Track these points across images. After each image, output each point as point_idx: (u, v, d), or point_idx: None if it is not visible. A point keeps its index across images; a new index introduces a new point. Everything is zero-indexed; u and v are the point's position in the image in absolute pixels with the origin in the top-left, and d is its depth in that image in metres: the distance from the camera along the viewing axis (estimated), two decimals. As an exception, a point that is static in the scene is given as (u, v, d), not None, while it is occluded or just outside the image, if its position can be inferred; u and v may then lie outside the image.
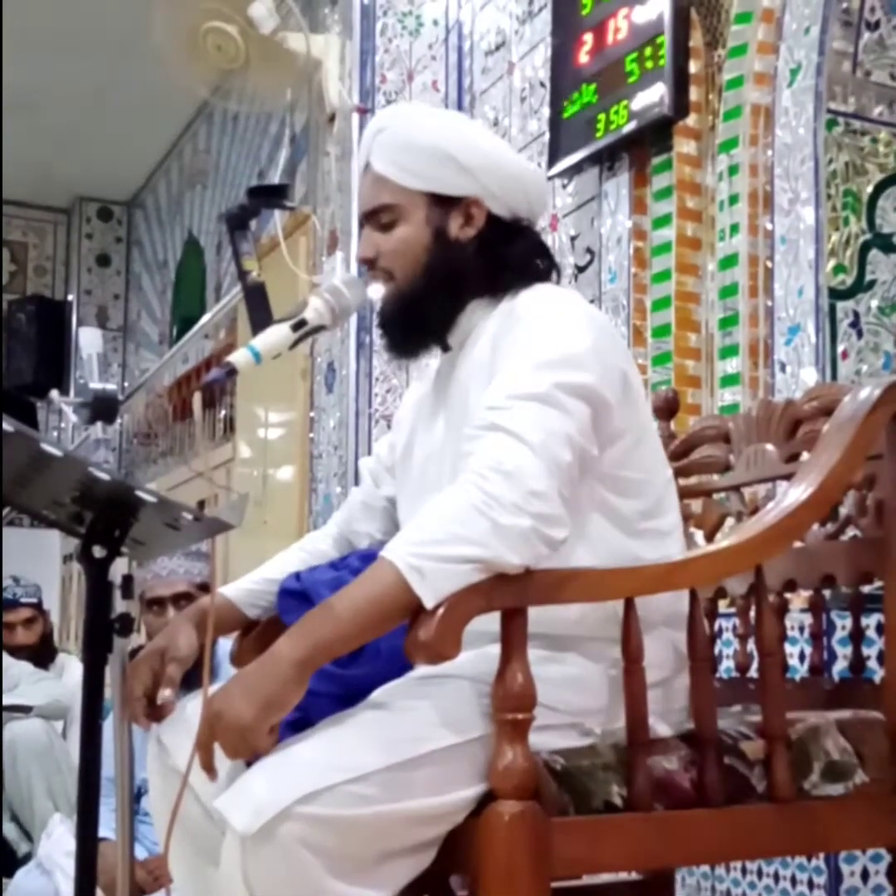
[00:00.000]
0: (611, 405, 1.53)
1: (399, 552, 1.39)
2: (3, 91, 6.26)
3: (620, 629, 1.48)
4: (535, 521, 1.39)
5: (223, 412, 6.02)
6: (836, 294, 2.79)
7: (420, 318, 1.67)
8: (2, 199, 6.49)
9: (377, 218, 1.67)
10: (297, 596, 1.67)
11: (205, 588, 2.85)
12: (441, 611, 1.34)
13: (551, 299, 1.62)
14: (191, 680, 1.65)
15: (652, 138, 3.24)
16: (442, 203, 1.66)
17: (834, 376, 2.74)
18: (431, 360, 1.79)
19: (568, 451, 1.45)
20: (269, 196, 2.00)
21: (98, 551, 1.52)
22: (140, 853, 2.71)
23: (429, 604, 1.36)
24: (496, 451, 1.43)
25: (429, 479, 1.69)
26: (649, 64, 3.17)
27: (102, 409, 1.87)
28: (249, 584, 1.79)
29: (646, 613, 1.49)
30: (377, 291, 1.71)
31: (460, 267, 1.66)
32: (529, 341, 1.54)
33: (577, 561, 1.52)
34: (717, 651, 2.27)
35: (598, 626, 1.53)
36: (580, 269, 3.45)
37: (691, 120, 3.16)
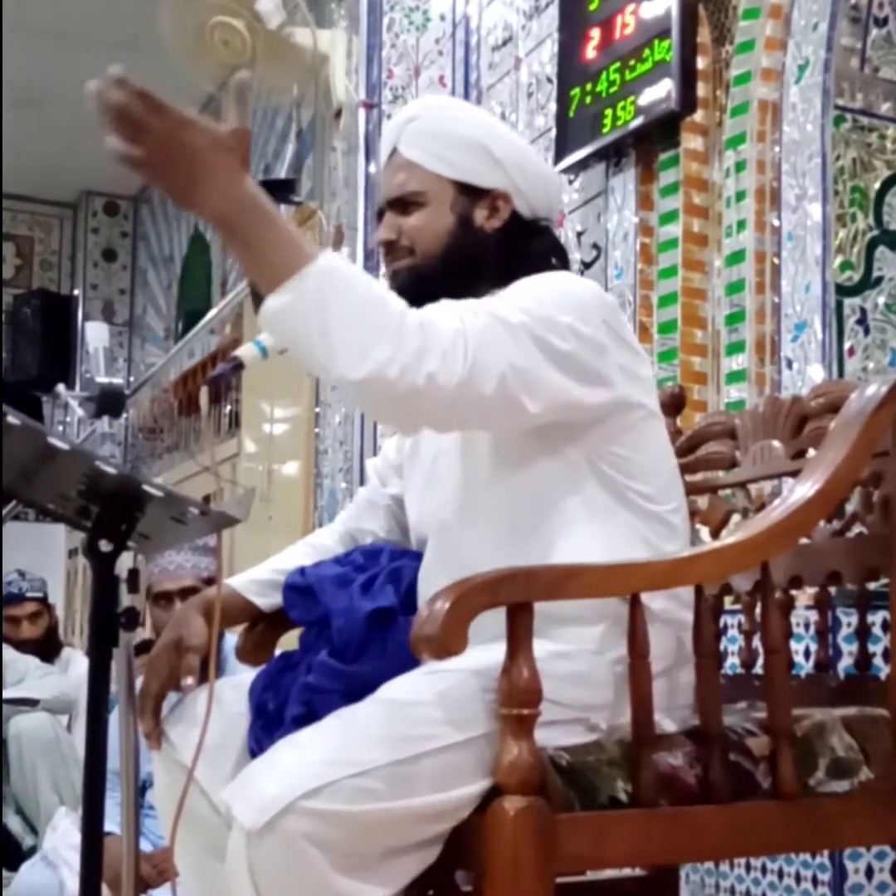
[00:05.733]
0: (599, 344, 1.54)
1: (334, 263, 1.39)
2: (11, 86, 6.26)
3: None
4: (412, 379, 1.38)
5: (229, 407, 6.03)
6: (843, 290, 2.79)
7: (431, 299, 1.67)
8: (2, 192, 6.48)
9: (402, 203, 1.68)
10: (301, 591, 1.68)
11: (211, 582, 2.85)
12: (447, 606, 1.34)
13: (542, 275, 1.63)
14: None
15: (659, 134, 3.24)
16: (469, 193, 1.67)
17: (840, 373, 2.74)
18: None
19: (493, 385, 1.43)
20: (275, 191, 2.00)
21: (104, 545, 1.52)
22: (145, 847, 2.72)
23: (271, 294, 1.37)
24: (442, 330, 1.41)
25: (436, 477, 1.70)
26: (656, 59, 3.17)
27: (108, 403, 1.87)
28: (256, 574, 1.79)
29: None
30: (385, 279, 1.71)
31: (481, 255, 1.67)
32: (514, 290, 1.56)
33: (588, 538, 1.54)
34: (722, 647, 2.27)
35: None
36: (586, 265, 3.45)
37: (698, 116, 3.16)
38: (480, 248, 1.67)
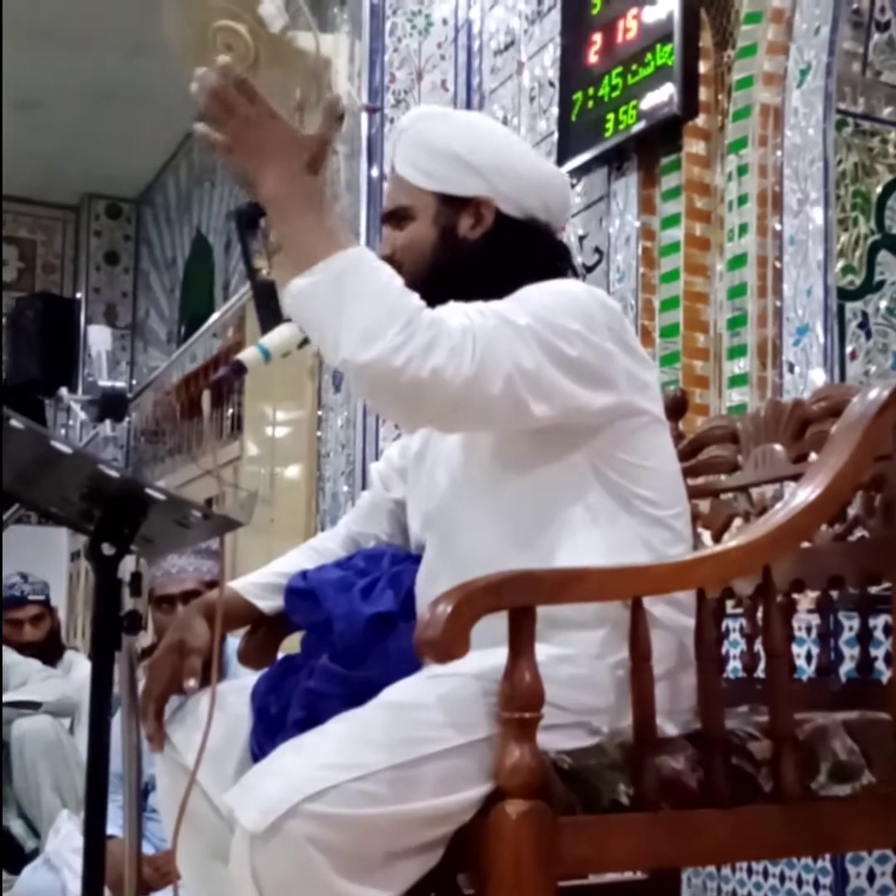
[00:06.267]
0: (606, 350, 1.54)
1: (363, 254, 1.46)
2: (13, 88, 6.27)
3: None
4: (417, 370, 1.40)
5: (231, 410, 6.03)
6: (845, 295, 2.79)
7: None
8: (2, 195, 6.49)
9: (395, 217, 1.72)
10: (303, 595, 1.68)
11: (213, 585, 2.84)
12: (449, 610, 1.34)
13: (547, 283, 1.62)
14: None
15: (661, 138, 3.24)
16: (452, 203, 1.68)
17: (842, 377, 2.74)
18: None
19: (499, 385, 1.45)
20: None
21: (107, 549, 1.52)
22: (147, 850, 2.72)
23: (306, 277, 1.44)
24: (453, 327, 1.43)
25: (437, 482, 1.70)
26: (658, 64, 3.17)
27: (111, 406, 1.88)
28: (258, 577, 1.80)
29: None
30: None
31: (464, 265, 1.67)
32: (520, 296, 1.56)
33: (590, 543, 1.54)
34: (724, 651, 2.27)
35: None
36: (588, 269, 3.45)
37: (700, 120, 3.16)
38: (465, 258, 1.67)
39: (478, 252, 1.67)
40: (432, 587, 1.55)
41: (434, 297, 1.57)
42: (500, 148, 1.72)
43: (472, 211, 1.68)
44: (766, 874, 2.50)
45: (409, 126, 1.74)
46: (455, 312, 1.47)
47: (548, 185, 1.73)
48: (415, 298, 1.45)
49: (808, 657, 2.24)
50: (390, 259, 1.70)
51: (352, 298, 1.42)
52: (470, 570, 1.44)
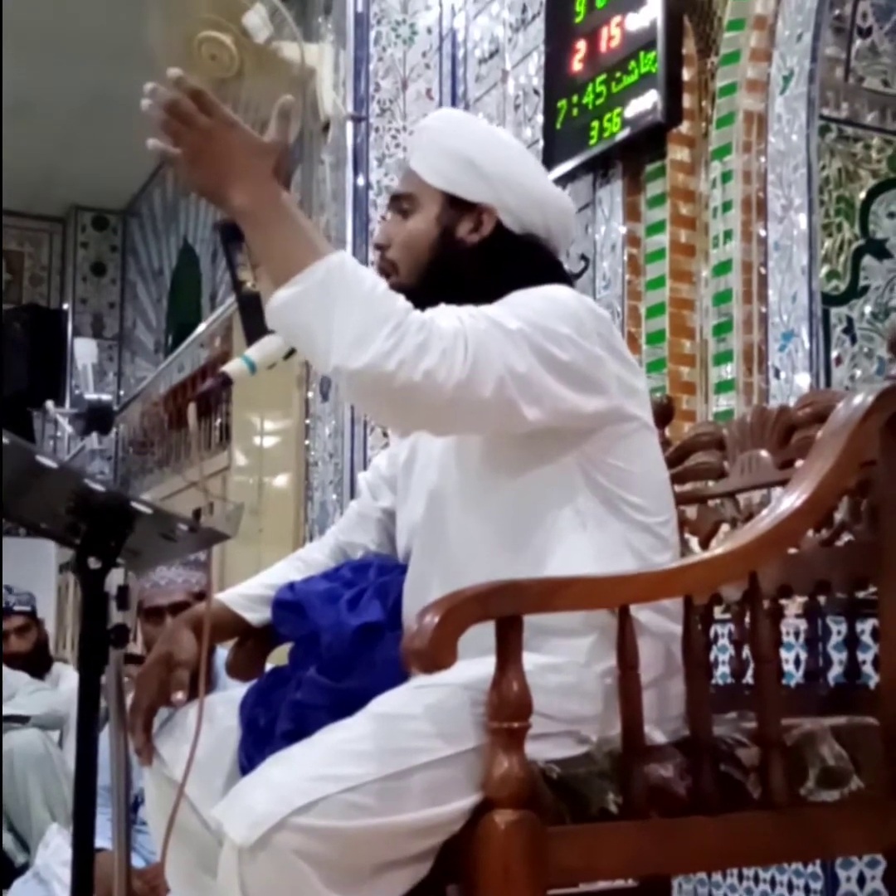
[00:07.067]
0: (596, 355, 1.55)
1: (345, 259, 1.45)
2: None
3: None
4: (410, 373, 1.40)
5: (219, 420, 6.02)
6: (830, 300, 2.80)
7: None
8: (1, 200, 6.49)
9: (398, 203, 1.74)
10: (290, 607, 1.68)
11: (202, 597, 2.84)
12: (436, 619, 1.34)
13: (536, 288, 1.63)
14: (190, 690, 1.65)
15: (645, 145, 3.25)
16: (457, 206, 1.70)
17: (828, 382, 2.75)
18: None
19: (491, 388, 1.45)
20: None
21: (93, 562, 1.52)
22: (137, 863, 2.71)
23: (290, 288, 1.43)
24: (444, 330, 1.44)
25: (427, 488, 1.70)
26: (642, 71, 3.18)
27: (97, 420, 1.88)
28: (246, 589, 1.79)
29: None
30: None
31: (458, 269, 1.68)
32: (510, 301, 1.57)
33: (578, 549, 1.54)
34: (712, 657, 2.27)
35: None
36: (575, 276, 3.46)
37: (684, 127, 3.17)
38: (459, 260, 1.68)
39: (471, 257, 1.69)
40: (423, 592, 1.56)
41: (427, 296, 1.57)
42: (511, 161, 1.74)
43: (475, 216, 1.70)
44: (756, 880, 2.50)
45: (430, 125, 1.78)
46: (446, 315, 1.47)
47: (552, 206, 1.75)
48: (401, 300, 1.45)
49: (796, 662, 2.24)
50: (383, 251, 1.72)
51: (338, 306, 1.42)
52: (460, 573, 1.44)
